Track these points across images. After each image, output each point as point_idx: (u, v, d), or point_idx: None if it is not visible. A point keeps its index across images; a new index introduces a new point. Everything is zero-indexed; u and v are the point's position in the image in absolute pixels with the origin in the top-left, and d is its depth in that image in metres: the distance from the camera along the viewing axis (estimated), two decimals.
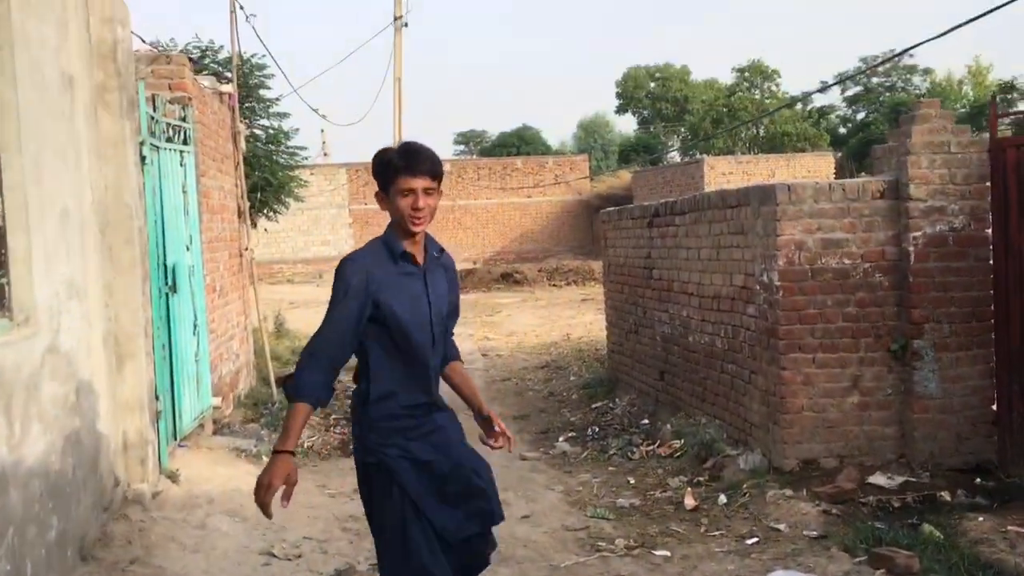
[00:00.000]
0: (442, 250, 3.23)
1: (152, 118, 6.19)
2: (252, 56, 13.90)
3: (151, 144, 6.02)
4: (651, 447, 7.63)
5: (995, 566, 4.45)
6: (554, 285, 25.14)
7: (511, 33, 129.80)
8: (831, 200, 6.00)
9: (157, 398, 5.83)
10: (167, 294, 6.31)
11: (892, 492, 5.67)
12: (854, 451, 6.03)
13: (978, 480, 5.77)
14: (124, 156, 5.42)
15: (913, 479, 5.81)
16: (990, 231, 5.98)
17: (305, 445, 8.21)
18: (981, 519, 5.10)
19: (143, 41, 9.70)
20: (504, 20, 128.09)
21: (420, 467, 3.05)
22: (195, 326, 7.00)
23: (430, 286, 3.11)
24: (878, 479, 5.81)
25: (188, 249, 6.96)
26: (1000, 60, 68.53)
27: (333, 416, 9.73)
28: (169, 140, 6.69)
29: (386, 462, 3.05)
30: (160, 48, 11.03)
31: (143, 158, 5.77)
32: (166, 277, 6.31)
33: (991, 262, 5.98)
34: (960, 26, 6.99)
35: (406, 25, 21.29)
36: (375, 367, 3.07)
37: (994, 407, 5.99)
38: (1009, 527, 4.94)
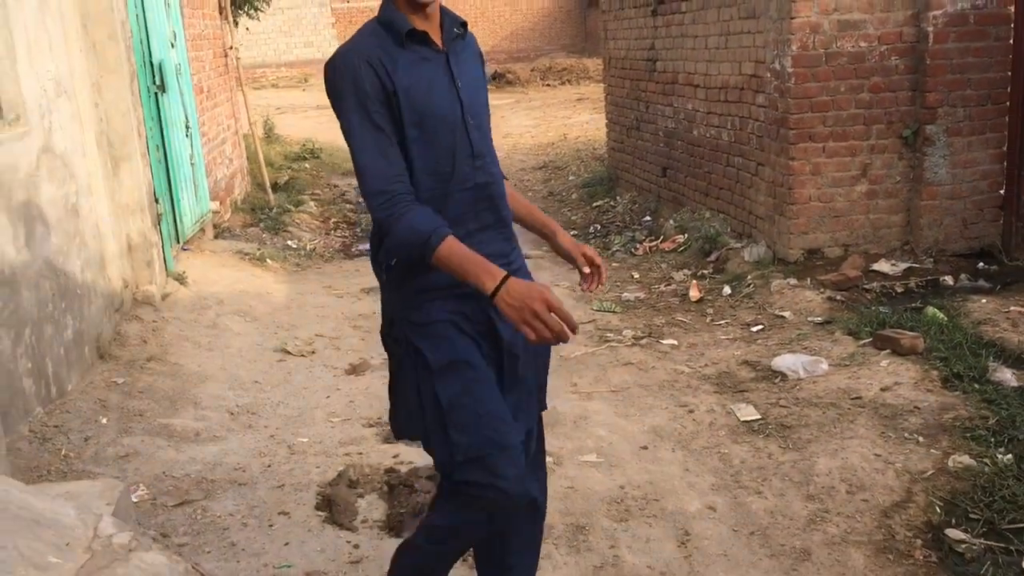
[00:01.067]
0: (464, 24, 2.27)
1: None
2: None
3: None
4: (654, 243, 7.64)
5: (998, 344, 4.54)
6: (548, 85, 24.46)
7: None
8: None
9: (156, 201, 5.74)
10: (156, 93, 6.07)
11: (896, 278, 5.72)
12: (859, 240, 6.04)
13: (981, 264, 5.82)
14: None
15: (917, 265, 5.85)
16: (1012, 8, 5.72)
17: (308, 247, 8.22)
18: (984, 301, 5.17)
19: None
20: None
21: (461, 324, 2.18)
22: (187, 128, 6.80)
23: (458, 74, 2.19)
24: (882, 266, 5.85)
25: (173, 46, 6.65)
26: None
27: (333, 220, 9.70)
28: None
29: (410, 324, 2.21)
30: None
31: None
32: (153, 76, 6.06)
33: (1011, 41, 5.75)
34: None
35: None
36: None
37: (1002, 191, 5.95)
38: (1012, 307, 5.01)
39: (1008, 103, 5.82)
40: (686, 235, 7.37)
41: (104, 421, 4.02)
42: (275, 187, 10.11)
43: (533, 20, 37.25)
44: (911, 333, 4.65)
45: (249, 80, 28.12)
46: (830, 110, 5.84)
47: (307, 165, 12.49)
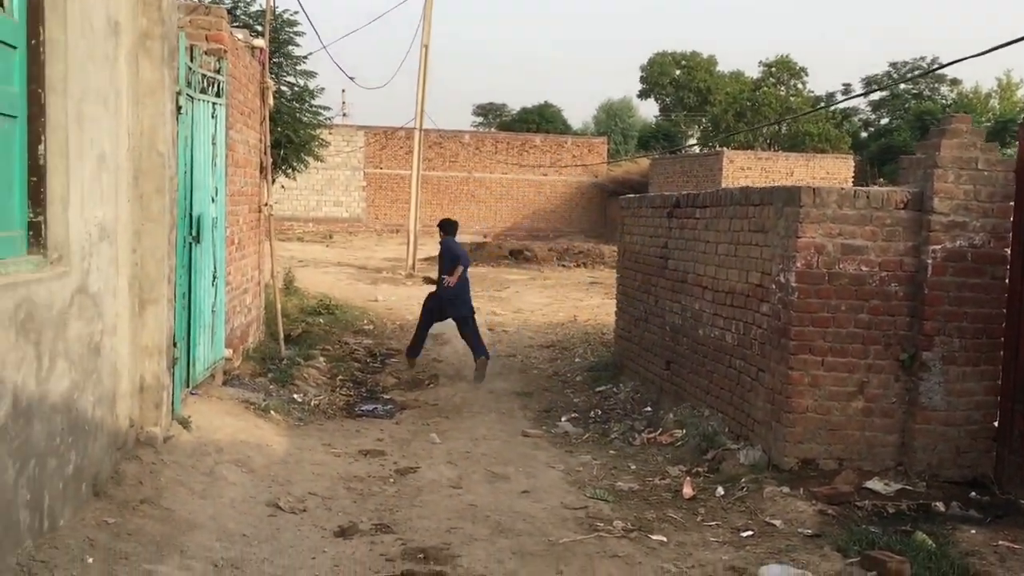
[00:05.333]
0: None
1: (189, 68, 6.24)
2: (284, 12, 13.93)
3: (187, 94, 6.07)
4: (652, 434, 7.72)
5: None
6: (563, 266, 25.17)
7: (541, 6, 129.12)
8: (855, 207, 6.04)
9: (175, 345, 5.93)
10: (191, 244, 6.38)
11: (888, 498, 5.76)
12: (854, 455, 6.12)
13: (973, 493, 5.86)
14: (161, 104, 5.47)
15: (909, 487, 5.90)
16: (1008, 250, 6.03)
17: (312, 402, 8.32)
18: (973, 531, 5.20)
19: None
20: None
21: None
22: (214, 277, 7.09)
23: None
24: (875, 484, 5.90)
25: (213, 201, 7.03)
26: None
27: (340, 377, 9.84)
28: (203, 91, 6.74)
29: None
30: None
31: (179, 108, 5.83)
32: (191, 227, 6.39)
33: (1007, 281, 6.03)
34: (1001, 47, 6.97)
35: None
36: None
37: (996, 423, 6.07)
38: (1000, 541, 5.03)
39: (1003, 338, 6.04)
40: (684, 430, 7.46)
41: (90, 561, 4.03)
42: (288, 339, 10.34)
43: (555, 202, 38.66)
44: (899, 557, 4.66)
45: (276, 232, 29.13)
46: (830, 326, 6.07)
47: (321, 320, 12.77)
